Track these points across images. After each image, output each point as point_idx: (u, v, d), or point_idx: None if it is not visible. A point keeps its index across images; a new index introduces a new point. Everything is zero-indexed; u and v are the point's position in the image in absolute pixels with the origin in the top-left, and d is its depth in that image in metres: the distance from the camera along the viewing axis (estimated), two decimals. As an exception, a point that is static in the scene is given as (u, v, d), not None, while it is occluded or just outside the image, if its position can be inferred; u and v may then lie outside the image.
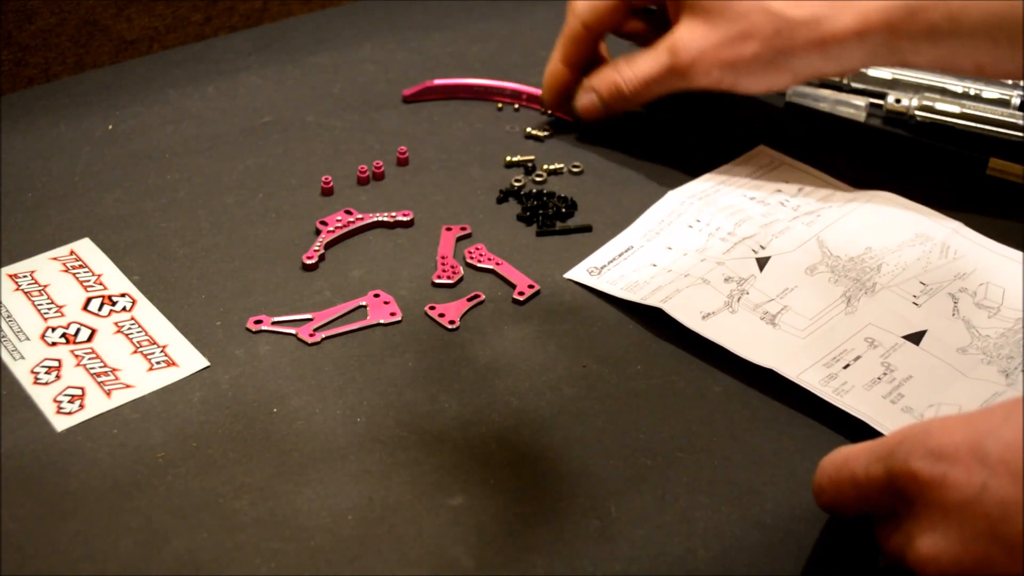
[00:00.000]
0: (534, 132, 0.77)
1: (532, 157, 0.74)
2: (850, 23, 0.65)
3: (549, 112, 0.78)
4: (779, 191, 0.71)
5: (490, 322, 0.62)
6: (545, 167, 0.73)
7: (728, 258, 0.66)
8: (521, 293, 0.64)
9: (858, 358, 0.59)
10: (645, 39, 0.75)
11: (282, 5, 0.89)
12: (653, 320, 0.62)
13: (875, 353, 0.60)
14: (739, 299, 0.63)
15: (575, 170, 0.73)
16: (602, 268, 0.66)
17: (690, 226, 0.68)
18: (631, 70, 0.71)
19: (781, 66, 0.67)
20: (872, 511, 0.48)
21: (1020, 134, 0.75)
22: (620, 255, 0.67)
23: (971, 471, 0.42)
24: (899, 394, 0.57)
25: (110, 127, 0.76)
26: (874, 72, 0.79)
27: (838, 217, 0.68)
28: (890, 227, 0.68)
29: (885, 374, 0.59)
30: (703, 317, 0.61)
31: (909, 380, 0.58)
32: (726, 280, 0.64)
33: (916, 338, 0.61)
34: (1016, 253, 0.66)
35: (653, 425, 0.57)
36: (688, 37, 0.68)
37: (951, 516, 0.43)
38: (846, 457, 0.48)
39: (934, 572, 0.43)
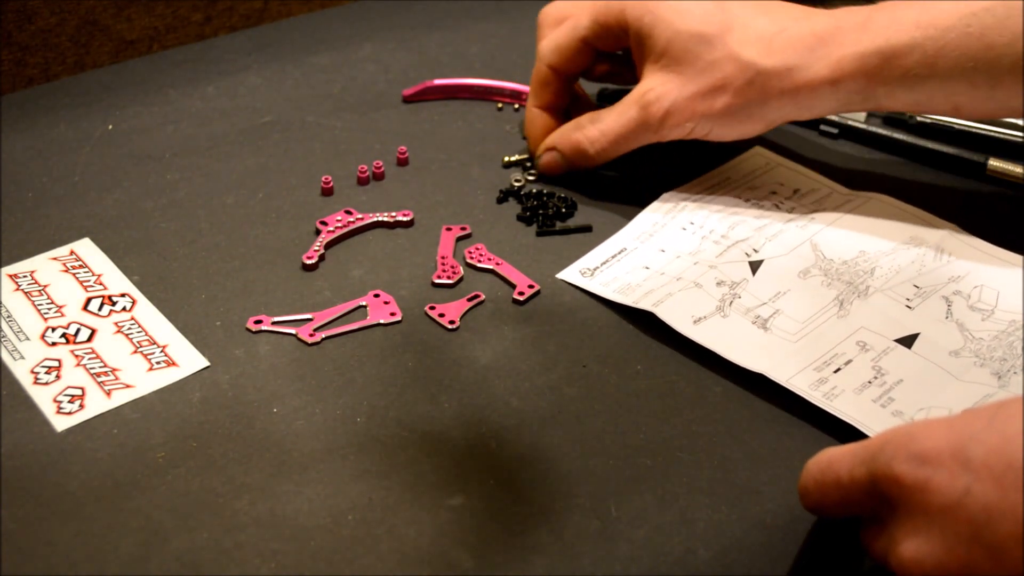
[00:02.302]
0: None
1: (527, 156, 0.74)
2: (823, 72, 0.64)
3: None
4: (774, 193, 0.71)
5: (490, 322, 0.62)
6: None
7: (721, 261, 0.65)
8: (521, 293, 0.64)
9: (849, 362, 0.59)
10: (619, 81, 0.75)
11: (282, 5, 0.89)
12: (650, 321, 0.62)
13: (866, 357, 0.60)
14: (731, 303, 0.63)
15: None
16: (595, 270, 0.66)
17: (684, 228, 0.68)
18: (597, 128, 0.69)
19: (755, 115, 0.66)
20: (856, 513, 0.48)
21: (1020, 134, 0.75)
22: (613, 257, 0.67)
23: (954, 475, 0.42)
24: (889, 398, 0.57)
25: (110, 127, 0.76)
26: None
27: (832, 220, 0.68)
28: (885, 230, 0.68)
29: (876, 378, 0.58)
30: (695, 321, 0.61)
31: (900, 384, 0.58)
32: (718, 284, 0.64)
33: (908, 341, 0.61)
34: (1011, 255, 0.66)
35: (653, 425, 0.57)
36: (659, 90, 0.66)
37: (934, 520, 0.43)
38: (830, 459, 0.48)
39: (916, 575, 0.43)
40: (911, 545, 0.43)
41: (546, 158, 0.72)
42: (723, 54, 0.65)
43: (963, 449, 0.42)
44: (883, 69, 0.63)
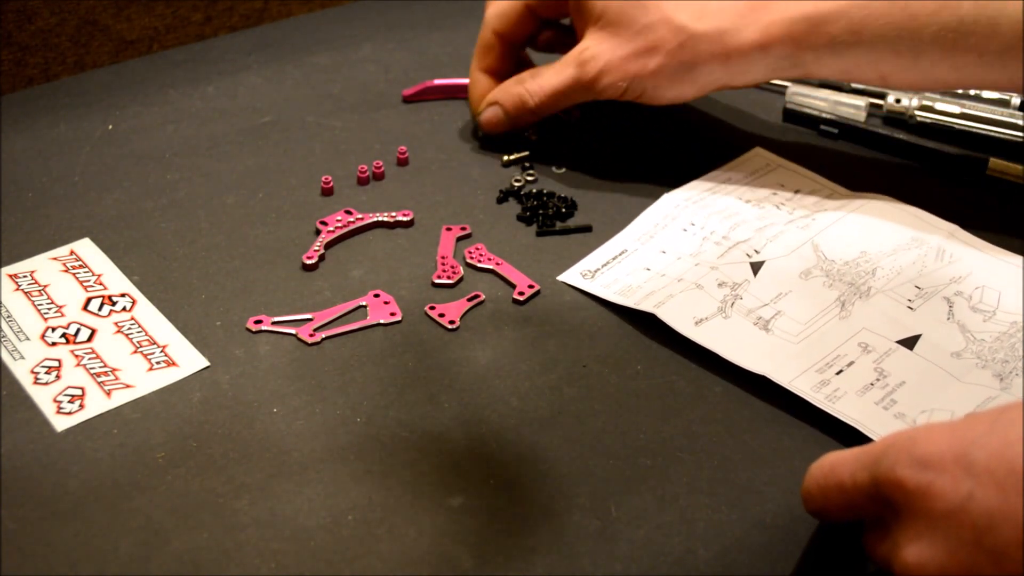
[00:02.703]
0: (530, 134, 0.77)
1: (527, 153, 0.74)
2: (753, 37, 0.66)
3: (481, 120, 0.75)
4: (775, 194, 0.71)
5: (490, 322, 0.62)
6: (505, 157, 0.74)
7: (722, 263, 0.65)
8: (521, 293, 0.64)
9: (851, 363, 0.59)
10: (564, 50, 0.75)
11: (282, 5, 0.89)
12: (651, 322, 0.62)
13: (868, 358, 0.60)
14: (732, 304, 0.63)
15: (529, 178, 0.73)
16: (595, 271, 0.66)
17: (684, 230, 0.68)
18: (536, 83, 0.72)
19: (687, 78, 0.68)
20: (859, 518, 0.48)
21: (1020, 134, 0.75)
22: (614, 258, 0.67)
23: (957, 480, 0.42)
24: (891, 400, 0.57)
25: (110, 127, 0.76)
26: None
27: (834, 221, 0.68)
28: (886, 231, 0.68)
29: (878, 379, 0.58)
30: (696, 323, 0.61)
31: (902, 386, 0.58)
32: (720, 285, 0.64)
33: (910, 343, 0.60)
34: (1012, 256, 0.66)
35: (653, 425, 0.57)
36: (594, 50, 0.69)
37: (937, 525, 0.43)
38: (833, 463, 0.48)
39: None
40: (914, 550, 0.43)
41: (488, 113, 0.74)
42: (657, 17, 0.67)
43: (965, 454, 0.42)
44: (810, 34, 0.65)
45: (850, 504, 0.47)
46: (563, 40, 0.76)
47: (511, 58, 0.76)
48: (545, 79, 0.72)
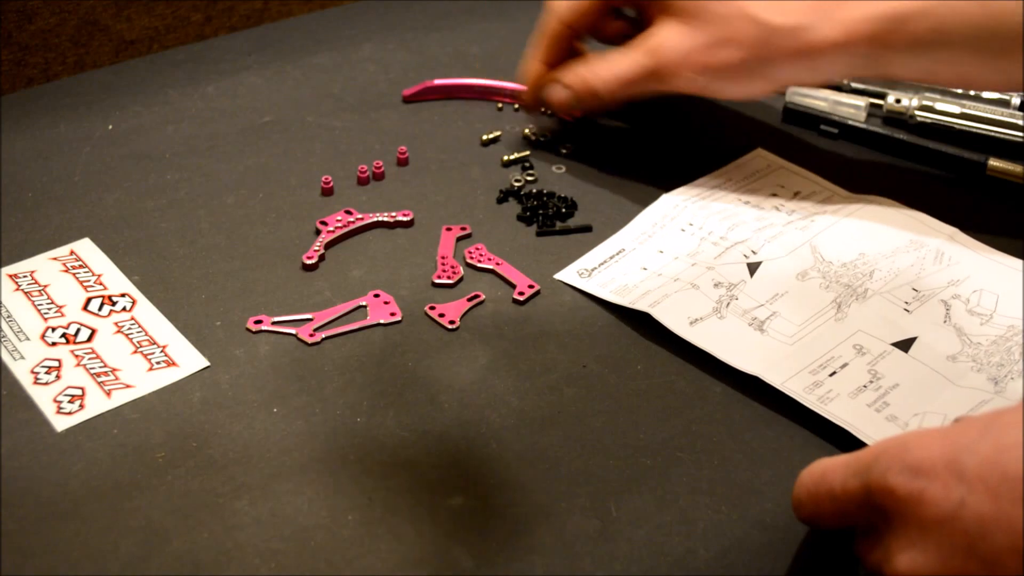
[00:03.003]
0: (528, 134, 0.77)
1: (527, 153, 0.75)
2: (833, 34, 0.64)
3: (532, 112, 0.76)
4: (774, 195, 0.71)
5: (490, 322, 0.62)
6: (505, 157, 0.74)
7: (719, 263, 0.65)
8: (521, 293, 0.64)
9: (845, 365, 0.59)
10: (625, 42, 0.74)
11: (282, 5, 0.89)
12: (649, 322, 0.62)
13: (862, 360, 0.59)
14: (728, 304, 0.63)
15: (529, 178, 0.73)
16: (592, 270, 0.66)
17: (683, 230, 0.68)
18: (607, 68, 0.69)
19: (762, 74, 0.67)
20: (851, 524, 0.47)
21: (1020, 134, 0.75)
22: (611, 257, 0.67)
23: (949, 487, 0.42)
24: (884, 402, 0.57)
25: (110, 127, 0.76)
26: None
27: (833, 223, 0.68)
28: (885, 233, 0.67)
29: (871, 382, 0.58)
30: (691, 323, 0.61)
31: (895, 388, 0.58)
32: (716, 285, 0.64)
33: (905, 345, 0.60)
34: (1011, 260, 0.66)
35: (653, 425, 0.57)
36: (670, 40, 0.67)
37: (929, 532, 0.42)
38: (824, 470, 0.47)
39: None
40: (906, 557, 0.43)
41: (555, 93, 0.72)
42: (734, 9, 0.65)
43: (957, 460, 0.42)
44: (892, 33, 0.63)
45: (841, 512, 0.47)
46: (631, 32, 0.73)
47: (570, 49, 0.73)
48: (615, 65, 0.69)
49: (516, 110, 0.80)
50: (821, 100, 0.78)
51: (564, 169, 0.73)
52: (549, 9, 0.72)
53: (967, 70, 0.64)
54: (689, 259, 0.66)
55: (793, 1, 0.65)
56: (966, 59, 0.63)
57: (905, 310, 0.62)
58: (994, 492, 0.41)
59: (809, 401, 0.57)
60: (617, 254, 0.67)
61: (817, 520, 0.49)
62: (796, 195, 0.71)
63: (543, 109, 0.76)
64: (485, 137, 0.76)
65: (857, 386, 0.58)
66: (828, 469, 0.47)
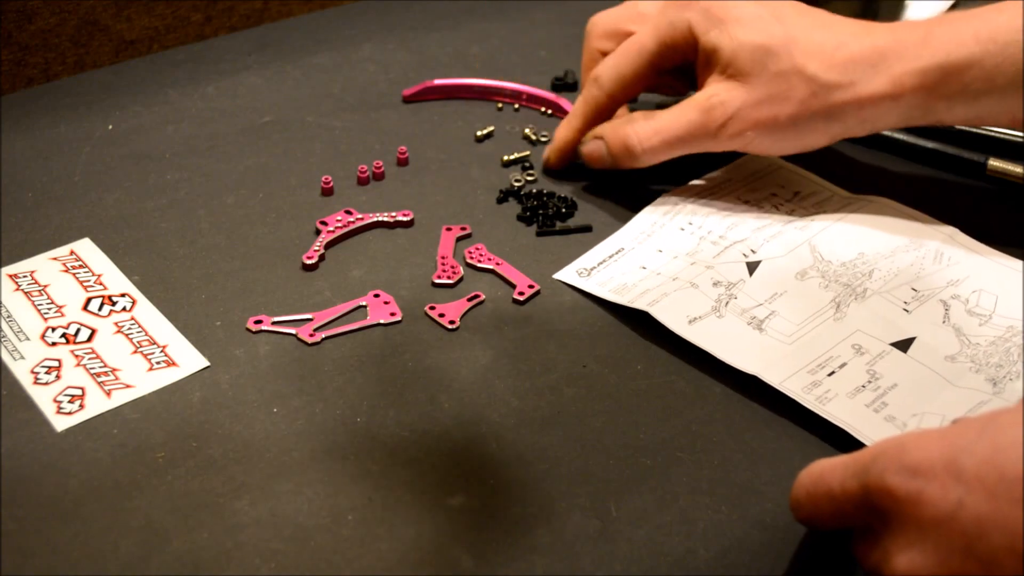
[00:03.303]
0: (529, 134, 0.77)
1: (528, 153, 0.75)
2: (885, 87, 0.64)
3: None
4: (774, 195, 0.71)
5: (490, 322, 0.62)
6: (505, 157, 0.74)
7: (718, 262, 0.65)
8: (521, 293, 0.64)
9: (843, 365, 0.59)
10: (668, 91, 0.74)
11: (282, 5, 0.89)
12: (649, 322, 0.62)
13: (861, 360, 0.59)
14: (727, 304, 0.63)
15: (529, 178, 0.73)
16: (591, 269, 0.66)
17: (682, 229, 0.68)
18: (649, 126, 0.68)
19: (816, 128, 0.66)
20: (849, 526, 0.47)
21: (1020, 134, 0.75)
22: (610, 257, 0.67)
23: (947, 487, 0.42)
24: (883, 403, 0.57)
25: (110, 127, 0.76)
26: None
27: (832, 222, 0.68)
28: (884, 233, 0.67)
29: (870, 382, 0.58)
30: (690, 321, 0.61)
31: (894, 388, 0.58)
32: (715, 284, 0.64)
33: (904, 345, 0.60)
34: (1010, 260, 0.66)
35: (653, 425, 0.57)
36: (723, 96, 0.66)
37: (927, 533, 0.42)
38: (822, 471, 0.47)
39: None
40: (904, 558, 0.43)
41: (591, 147, 0.71)
42: (788, 66, 0.65)
43: (955, 461, 0.42)
44: (943, 84, 0.63)
45: (840, 512, 0.47)
46: (668, 82, 0.73)
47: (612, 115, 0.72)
48: (660, 123, 0.68)
49: (516, 110, 0.80)
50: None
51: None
52: (594, 80, 0.71)
53: (1017, 113, 0.64)
54: (688, 258, 0.66)
55: (844, 54, 0.64)
56: (1019, 102, 0.63)
57: (904, 310, 0.62)
58: (992, 492, 0.41)
59: (807, 401, 0.57)
60: (616, 253, 0.67)
61: (815, 521, 0.49)
62: (796, 195, 0.71)
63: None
64: (479, 133, 0.76)
65: (855, 386, 0.58)
66: (826, 470, 0.47)
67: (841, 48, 0.65)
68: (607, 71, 0.70)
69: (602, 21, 0.73)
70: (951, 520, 0.42)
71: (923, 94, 0.64)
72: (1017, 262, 0.65)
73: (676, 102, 0.69)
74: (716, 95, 0.66)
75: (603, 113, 0.71)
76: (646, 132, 0.68)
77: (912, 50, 0.64)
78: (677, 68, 0.72)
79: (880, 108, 0.64)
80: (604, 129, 0.70)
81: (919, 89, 0.64)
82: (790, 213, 0.69)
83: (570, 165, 0.74)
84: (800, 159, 0.74)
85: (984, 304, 0.63)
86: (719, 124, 0.66)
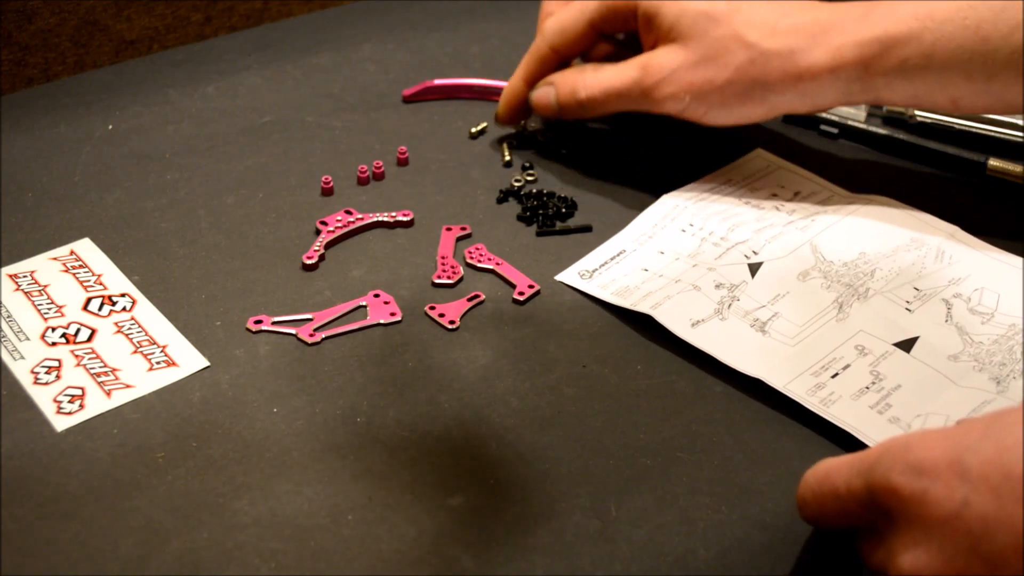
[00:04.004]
0: (539, 135, 0.77)
1: (530, 151, 0.75)
2: (824, 58, 0.65)
3: (506, 125, 0.76)
4: (774, 196, 0.71)
5: (490, 322, 0.62)
6: (473, 129, 0.76)
7: (720, 264, 0.65)
8: (521, 293, 0.64)
9: (847, 367, 0.59)
10: (617, 60, 0.74)
11: (282, 5, 0.89)
12: (649, 323, 0.62)
13: (864, 361, 0.59)
14: (729, 306, 0.63)
15: (529, 178, 0.73)
16: (593, 271, 0.66)
17: (683, 230, 0.68)
18: (595, 77, 0.70)
19: (754, 98, 0.67)
20: (854, 525, 0.47)
21: (1020, 134, 0.75)
22: (612, 259, 0.66)
23: (952, 487, 0.42)
24: (886, 404, 0.57)
25: (110, 127, 0.76)
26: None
27: (833, 222, 0.68)
28: (885, 232, 0.67)
29: (874, 383, 0.58)
30: (692, 324, 0.61)
31: (898, 389, 0.58)
32: (717, 286, 0.64)
33: (907, 345, 0.60)
34: (1012, 258, 0.66)
35: (653, 425, 0.57)
36: (661, 57, 0.68)
37: (932, 532, 0.42)
38: (828, 470, 0.48)
39: None
40: (909, 557, 0.43)
41: (539, 93, 0.73)
42: (727, 32, 0.66)
43: (960, 460, 0.42)
44: (881, 58, 0.64)
45: (845, 512, 0.47)
46: (618, 53, 0.74)
47: (558, 69, 0.74)
48: (604, 75, 0.70)
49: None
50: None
51: (535, 177, 0.73)
52: (540, 31, 0.73)
53: (958, 94, 0.64)
54: (690, 260, 0.66)
55: (786, 24, 0.66)
56: (957, 83, 0.64)
57: (907, 309, 0.62)
58: (997, 491, 0.41)
59: (812, 404, 0.57)
60: (618, 255, 0.67)
61: (821, 520, 0.49)
62: (796, 195, 0.71)
63: (521, 123, 0.76)
64: (473, 130, 0.76)
65: (859, 388, 0.58)
66: (832, 469, 0.47)
67: (783, 19, 0.66)
68: (551, 25, 0.73)
69: None
70: (956, 519, 0.42)
71: (861, 68, 0.64)
72: (1018, 259, 0.65)
73: None
74: (654, 56, 0.68)
75: (547, 65, 0.73)
76: (591, 82, 0.70)
77: (852, 24, 0.65)
78: (628, 38, 0.74)
79: (819, 81, 0.65)
80: (554, 76, 0.73)
81: (857, 62, 0.64)
82: (791, 213, 0.69)
83: (559, 155, 0.74)
84: (800, 159, 0.74)
85: (986, 302, 0.63)
86: (654, 82, 0.68)
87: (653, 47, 0.69)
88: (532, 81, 0.74)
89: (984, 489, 0.41)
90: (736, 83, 0.66)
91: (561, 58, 0.73)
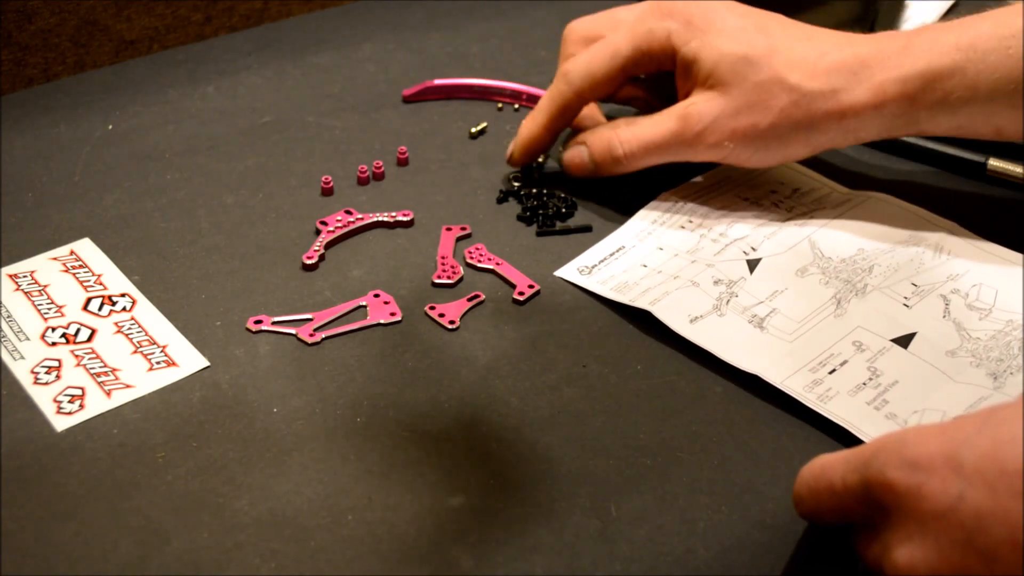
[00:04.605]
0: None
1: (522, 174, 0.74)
2: (867, 96, 0.63)
3: (517, 166, 0.73)
4: (773, 192, 0.71)
5: (490, 322, 0.62)
6: (473, 129, 0.76)
7: (719, 260, 0.65)
8: (521, 293, 0.64)
9: (844, 363, 0.59)
10: (643, 105, 0.73)
11: (282, 5, 0.89)
12: (649, 321, 0.62)
13: (862, 357, 0.59)
14: (728, 302, 0.63)
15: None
16: (593, 267, 0.66)
17: (682, 227, 0.68)
18: (631, 132, 0.68)
19: (798, 139, 0.65)
20: (850, 520, 0.48)
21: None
22: (611, 255, 0.67)
23: (947, 481, 0.42)
24: (883, 400, 0.57)
25: (110, 127, 0.76)
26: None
27: (831, 219, 0.68)
28: (883, 229, 0.68)
29: (871, 379, 0.58)
30: (691, 320, 0.61)
31: (895, 385, 0.58)
32: (716, 282, 0.64)
33: (905, 341, 0.60)
34: (1010, 253, 0.66)
35: (653, 425, 0.57)
36: (701, 106, 0.65)
37: (927, 526, 0.43)
38: (824, 466, 0.48)
39: None
40: (904, 551, 0.43)
41: (573, 154, 0.70)
42: (769, 75, 0.64)
43: (955, 455, 0.42)
44: (925, 92, 0.63)
45: (841, 506, 0.47)
46: (643, 96, 0.72)
47: (578, 114, 0.71)
48: (641, 129, 0.67)
49: (516, 110, 0.80)
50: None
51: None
52: (563, 76, 0.69)
53: (1003, 123, 0.63)
54: (689, 256, 0.66)
55: (826, 63, 0.64)
56: (1001, 112, 0.63)
57: (905, 305, 0.62)
58: (992, 486, 0.41)
59: (809, 400, 0.57)
60: (617, 251, 0.67)
61: (817, 515, 0.49)
62: (795, 192, 0.71)
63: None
64: (473, 130, 0.76)
65: (856, 384, 0.58)
66: (828, 465, 0.47)
67: (823, 58, 0.64)
68: (578, 68, 0.69)
69: (579, 27, 0.72)
70: (951, 513, 0.42)
71: (905, 103, 0.63)
72: (1016, 255, 0.65)
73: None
74: (694, 104, 0.66)
75: (570, 111, 0.70)
76: (627, 137, 0.68)
77: (894, 59, 0.63)
78: (651, 80, 0.71)
79: (862, 118, 0.64)
80: (586, 136, 0.70)
81: (901, 98, 0.63)
82: (789, 210, 0.69)
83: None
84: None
85: (984, 298, 0.63)
86: (695, 132, 0.66)
87: (688, 93, 0.67)
88: (555, 129, 0.71)
89: (979, 483, 0.42)
90: (780, 126, 0.65)
91: (585, 103, 0.70)
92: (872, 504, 0.45)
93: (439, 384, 0.58)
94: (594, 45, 0.69)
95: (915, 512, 0.43)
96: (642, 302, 0.62)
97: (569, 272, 0.65)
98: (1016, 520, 0.40)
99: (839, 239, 0.67)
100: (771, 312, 0.62)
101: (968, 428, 0.43)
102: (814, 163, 0.74)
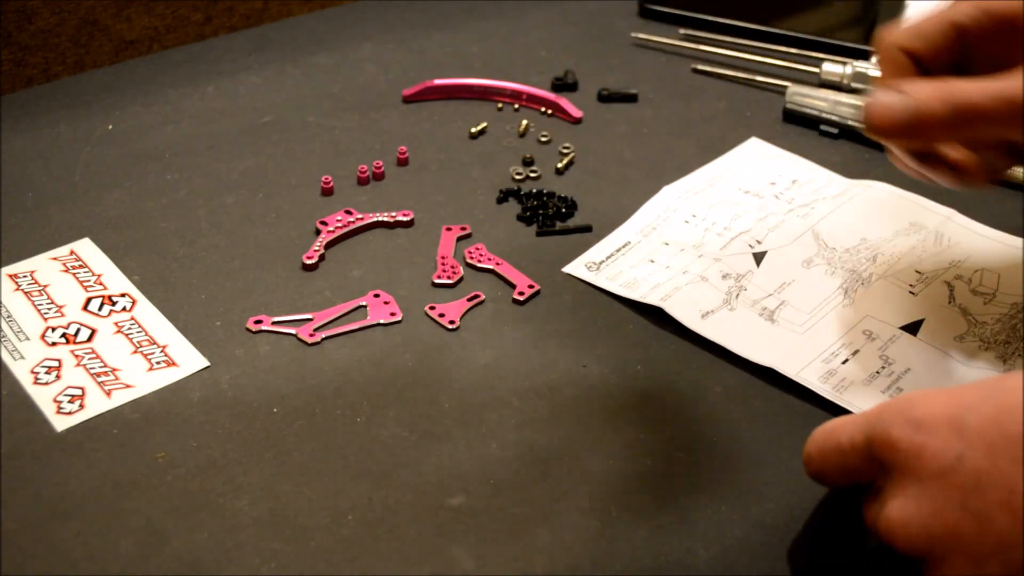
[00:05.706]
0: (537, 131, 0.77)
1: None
2: None
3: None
4: (772, 183, 0.72)
5: (490, 322, 0.62)
6: (473, 129, 0.75)
7: (725, 254, 0.66)
8: (521, 293, 0.64)
9: (856, 352, 0.60)
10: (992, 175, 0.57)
11: (282, 5, 0.89)
12: (649, 321, 0.62)
13: (873, 346, 0.60)
14: (737, 296, 0.63)
15: (532, 174, 0.72)
16: (600, 263, 0.66)
17: (686, 221, 0.69)
18: (973, 83, 0.50)
19: None
20: (855, 480, 0.48)
21: (1020, 134, 0.75)
22: (618, 250, 0.67)
23: (948, 442, 0.43)
24: (898, 388, 0.58)
25: (110, 127, 0.76)
26: (873, 72, 0.79)
27: (832, 208, 0.69)
28: (884, 217, 0.68)
29: (884, 367, 0.59)
30: (702, 316, 0.61)
31: (908, 372, 0.58)
32: (724, 276, 0.64)
33: (913, 328, 0.61)
34: (1010, 238, 0.66)
35: (653, 425, 0.57)
36: None
37: (925, 484, 0.43)
38: (834, 427, 0.48)
39: (902, 537, 0.43)
40: (898, 506, 0.43)
41: (886, 99, 0.52)
42: None
43: (959, 417, 0.43)
44: None
45: (847, 466, 0.47)
46: (1003, 162, 0.57)
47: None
48: (988, 81, 0.50)
49: (516, 110, 0.80)
50: (821, 100, 0.78)
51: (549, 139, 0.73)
52: (880, 36, 0.55)
53: None
54: (695, 251, 0.66)
55: None
56: None
57: (910, 293, 0.63)
58: (992, 449, 0.42)
59: (824, 391, 0.57)
60: (624, 247, 0.67)
61: (824, 475, 0.49)
62: (794, 182, 0.72)
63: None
64: (473, 130, 0.76)
65: (870, 372, 0.58)
66: (838, 425, 0.48)
67: None
68: (901, 27, 0.55)
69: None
70: (950, 473, 0.42)
71: None
72: (1016, 239, 0.66)
73: None
74: None
75: (899, 69, 0.54)
76: (970, 86, 0.50)
77: None
78: (1005, 145, 0.56)
79: None
80: (909, 82, 0.52)
81: None
82: (790, 202, 0.70)
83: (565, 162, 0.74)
84: (796, 147, 0.74)
85: (987, 283, 0.63)
86: None
87: None
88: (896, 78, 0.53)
89: (980, 445, 0.42)
90: None
91: (915, 63, 0.54)
92: (876, 463, 0.45)
93: (439, 384, 0.58)
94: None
95: (915, 470, 0.43)
96: (653, 298, 0.62)
97: (577, 268, 0.66)
98: (1013, 484, 0.41)
99: (841, 229, 0.67)
100: (780, 304, 0.62)
101: (974, 393, 0.44)
102: (811, 153, 0.74)
